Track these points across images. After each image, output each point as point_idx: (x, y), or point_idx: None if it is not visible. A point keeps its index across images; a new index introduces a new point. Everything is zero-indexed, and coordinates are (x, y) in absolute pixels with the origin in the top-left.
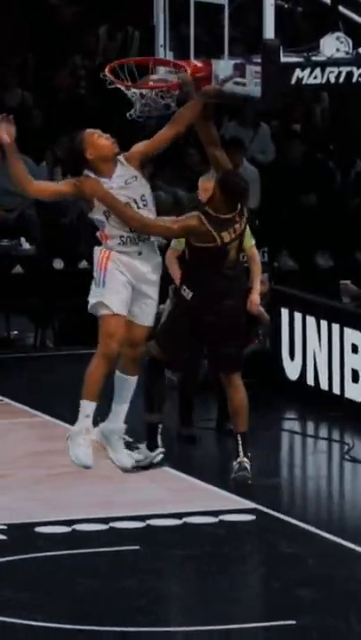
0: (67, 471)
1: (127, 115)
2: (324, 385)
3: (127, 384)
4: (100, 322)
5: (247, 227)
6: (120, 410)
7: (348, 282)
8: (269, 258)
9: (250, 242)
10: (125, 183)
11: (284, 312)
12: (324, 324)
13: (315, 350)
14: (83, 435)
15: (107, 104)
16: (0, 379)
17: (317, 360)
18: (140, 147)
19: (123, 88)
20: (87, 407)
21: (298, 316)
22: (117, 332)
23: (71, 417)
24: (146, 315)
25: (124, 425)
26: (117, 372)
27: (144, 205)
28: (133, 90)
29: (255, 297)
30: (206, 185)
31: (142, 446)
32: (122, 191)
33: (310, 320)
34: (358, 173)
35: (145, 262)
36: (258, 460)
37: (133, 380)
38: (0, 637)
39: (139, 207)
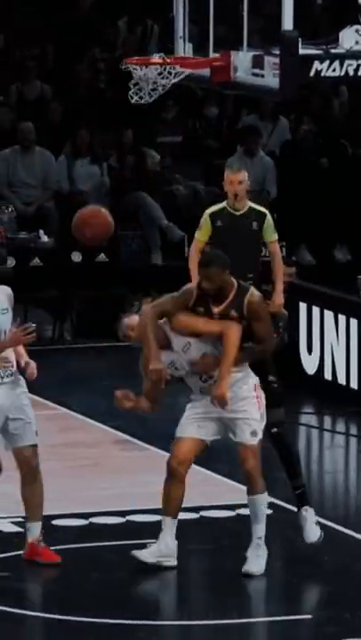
0: (84, 464)
1: (130, 96)
2: (341, 379)
3: None
4: None
5: (269, 220)
6: None
7: None
8: (288, 252)
9: (272, 236)
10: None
11: (303, 306)
12: (342, 318)
13: (332, 344)
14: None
15: (126, 97)
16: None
17: (335, 354)
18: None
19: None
20: None
21: (316, 310)
22: None
23: (88, 409)
24: None
25: None
26: None
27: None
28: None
29: (279, 298)
30: (232, 177)
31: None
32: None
33: (328, 314)
34: None
35: None
36: (275, 455)
37: None
38: (15, 629)
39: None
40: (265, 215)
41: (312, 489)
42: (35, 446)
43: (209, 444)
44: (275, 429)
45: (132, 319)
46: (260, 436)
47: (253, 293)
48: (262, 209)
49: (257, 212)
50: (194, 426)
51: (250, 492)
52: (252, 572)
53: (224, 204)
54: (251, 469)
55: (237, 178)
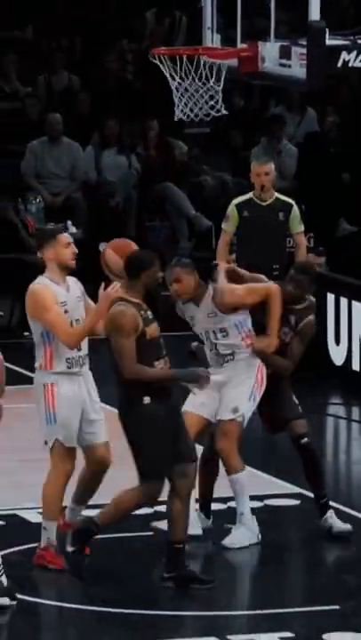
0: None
1: (175, 117)
2: None
3: None
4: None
5: (295, 211)
6: None
7: None
8: (315, 242)
9: (298, 227)
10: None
11: (331, 297)
12: None
13: None
14: None
15: (153, 88)
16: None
17: None
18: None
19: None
20: None
21: (344, 301)
22: None
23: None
24: None
25: None
26: None
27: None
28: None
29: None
30: (258, 169)
31: None
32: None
33: (356, 305)
34: None
35: None
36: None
37: None
38: (46, 619)
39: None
40: (291, 206)
41: (340, 480)
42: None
43: (213, 422)
44: (304, 440)
45: (178, 272)
46: (240, 412)
47: (312, 319)
48: (289, 200)
49: (283, 202)
50: (198, 402)
51: (226, 472)
52: (226, 544)
53: (250, 194)
54: (221, 449)
55: (264, 169)
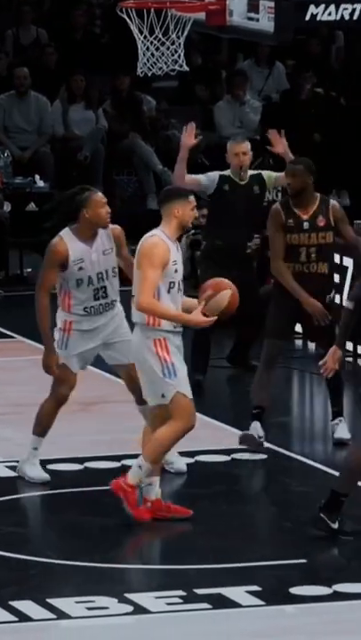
0: (80, 409)
1: (138, 71)
2: None
3: None
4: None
5: (265, 174)
6: None
7: None
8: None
9: (273, 174)
10: (103, 254)
11: None
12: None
13: None
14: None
15: (121, 42)
16: (14, 317)
17: None
18: (121, 237)
19: (138, 36)
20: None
21: None
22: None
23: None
24: None
25: None
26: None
27: (113, 276)
28: (142, 41)
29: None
30: (236, 149)
31: None
32: (101, 258)
33: None
34: None
35: None
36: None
37: None
38: (13, 572)
39: (108, 277)
40: (260, 175)
41: (306, 433)
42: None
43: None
44: None
45: None
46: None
47: (334, 202)
48: (256, 171)
49: (254, 176)
50: None
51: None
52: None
53: (229, 172)
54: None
55: (242, 149)
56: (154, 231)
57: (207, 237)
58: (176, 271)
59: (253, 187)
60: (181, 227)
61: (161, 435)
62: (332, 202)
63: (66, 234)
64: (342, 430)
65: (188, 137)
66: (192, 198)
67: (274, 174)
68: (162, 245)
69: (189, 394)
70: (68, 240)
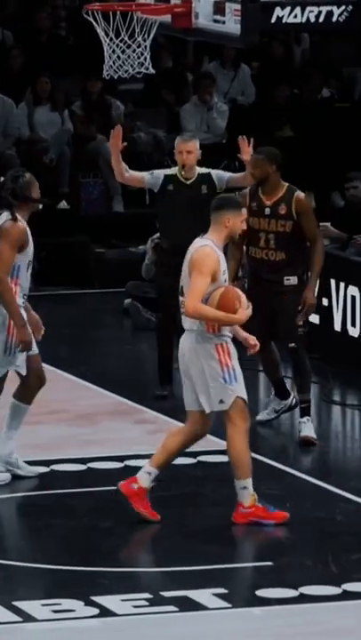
0: (46, 411)
1: (104, 73)
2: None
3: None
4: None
5: (214, 173)
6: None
7: (327, 224)
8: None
9: (224, 175)
10: None
11: None
12: None
13: None
14: None
15: (87, 45)
16: None
17: None
18: None
19: (104, 39)
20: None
21: None
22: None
23: (48, 358)
24: None
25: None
26: (15, 401)
27: None
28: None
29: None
30: (181, 146)
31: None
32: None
33: None
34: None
35: None
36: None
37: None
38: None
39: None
40: (209, 174)
41: (273, 436)
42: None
43: None
44: (292, 344)
45: None
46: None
47: (300, 193)
48: (205, 169)
49: (203, 175)
50: None
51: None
52: None
53: (175, 170)
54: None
55: (187, 147)
56: (205, 241)
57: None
58: (225, 280)
59: (201, 186)
60: (230, 237)
61: (234, 452)
62: (298, 193)
63: (17, 215)
64: (308, 429)
65: (115, 139)
66: (244, 211)
67: (226, 175)
68: (213, 256)
69: (245, 396)
70: (21, 221)
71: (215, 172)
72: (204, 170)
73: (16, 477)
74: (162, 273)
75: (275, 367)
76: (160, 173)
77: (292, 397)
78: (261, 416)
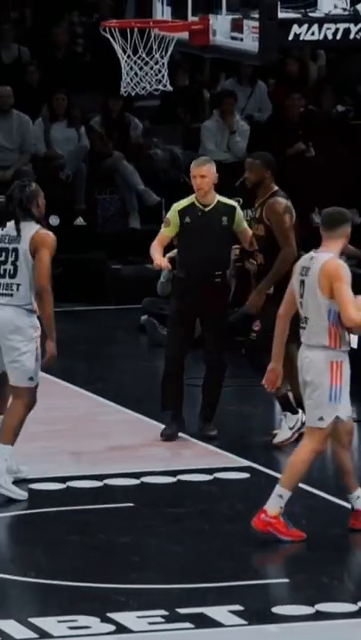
0: (62, 428)
1: (121, 90)
2: None
3: None
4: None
5: (239, 213)
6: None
7: None
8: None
9: (242, 224)
10: None
11: None
12: None
13: None
14: None
15: (103, 61)
16: None
17: None
18: None
19: (121, 56)
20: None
21: None
22: None
23: (65, 374)
24: None
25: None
26: None
27: None
28: (125, 60)
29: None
30: (194, 171)
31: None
32: None
33: None
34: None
35: None
36: (253, 419)
37: None
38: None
39: None
40: (234, 208)
41: (289, 453)
42: None
43: None
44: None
45: None
46: None
47: (277, 200)
48: (231, 202)
49: (225, 205)
50: None
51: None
52: None
53: (192, 198)
54: None
55: (201, 171)
56: (327, 254)
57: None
58: None
59: (222, 217)
60: (345, 248)
61: (296, 463)
62: (270, 200)
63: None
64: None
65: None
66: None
67: (244, 224)
68: (345, 266)
69: (346, 416)
70: None
71: (240, 213)
72: (229, 201)
73: (33, 494)
74: (174, 305)
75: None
76: (173, 216)
77: (301, 413)
78: (278, 438)
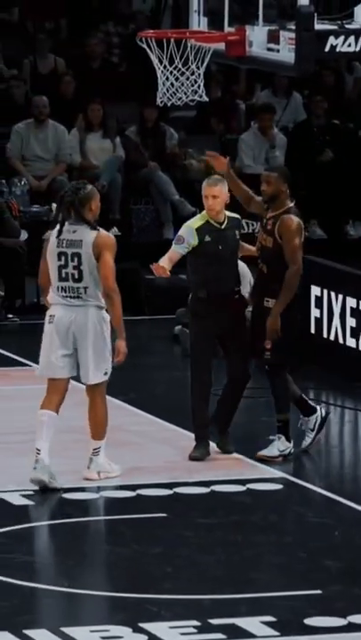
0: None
1: (158, 100)
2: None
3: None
4: None
5: (242, 223)
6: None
7: None
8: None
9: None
10: None
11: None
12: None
13: None
14: None
15: (139, 71)
16: (30, 345)
17: None
18: None
19: (157, 66)
20: None
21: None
22: None
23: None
24: None
25: None
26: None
27: None
28: (162, 71)
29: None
30: (206, 191)
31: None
32: None
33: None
34: None
35: None
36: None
37: None
38: (27, 601)
39: None
40: (239, 220)
41: (322, 464)
42: None
43: None
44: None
45: None
46: None
47: (292, 218)
48: (234, 215)
49: (234, 219)
50: None
51: None
52: None
53: (205, 216)
54: None
55: (212, 192)
56: None
57: (191, 289)
58: None
59: (235, 231)
60: None
61: None
62: (285, 216)
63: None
64: (269, 449)
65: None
66: None
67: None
68: None
69: None
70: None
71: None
72: (232, 213)
73: (65, 504)
74: (197, 327)
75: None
76: (192, 234)
77: (319, 409)
78: (305, 443)
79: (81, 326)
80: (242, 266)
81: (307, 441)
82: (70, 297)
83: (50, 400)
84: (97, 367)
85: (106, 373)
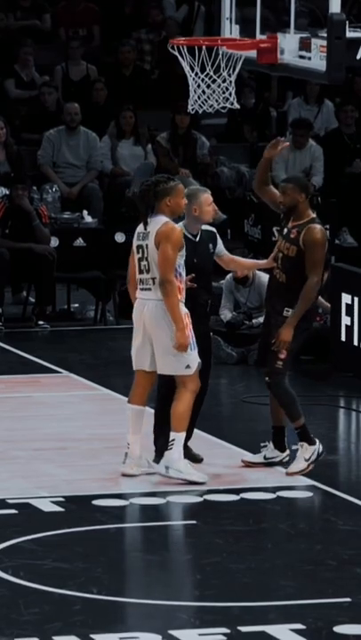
0: (124, 444)
1: (189, 108)
2: None
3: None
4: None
5: (219, 238)
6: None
7: None
8: (330, 235)
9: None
10: None
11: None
12: None
13: None
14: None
15: (170, 79)
16: (60, 351)
17: None
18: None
19: (189, 73)
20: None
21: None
22: None
23: (127, 391)
24: None
25: None
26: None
27: None
28: (193, 78)
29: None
30: (208, 200)
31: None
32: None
33: None
34: None
35: None
36: (316, 437)
37: None
38: (57, 608)
39: None
40: (215, 234)
41: (352, 472)
42: None
43: None
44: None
45: None
46: None
47: (320, 229)
48: (210, 228)
49: (208, 232)
50: None
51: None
52: None
53: (182, 226)
54: None
55: (209, 200)
56: None
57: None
58: None
59: (208, 244)
60: None
61: None
62: (314, 225)
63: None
64: (295, 464)
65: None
66: None
67: (223, 250)
68: None
69: None
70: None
71: (220, 240)
72: (208, 227)
73: (95, 511)
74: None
75: (276, 410)
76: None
77: (285, 454)
78: (250, 457)
79: (151, 318)
80: (265, 278)
81: (295, 467)
82: (143, 289)
83: (133, 393)
84: (167, 358)
85: (188, 367)
